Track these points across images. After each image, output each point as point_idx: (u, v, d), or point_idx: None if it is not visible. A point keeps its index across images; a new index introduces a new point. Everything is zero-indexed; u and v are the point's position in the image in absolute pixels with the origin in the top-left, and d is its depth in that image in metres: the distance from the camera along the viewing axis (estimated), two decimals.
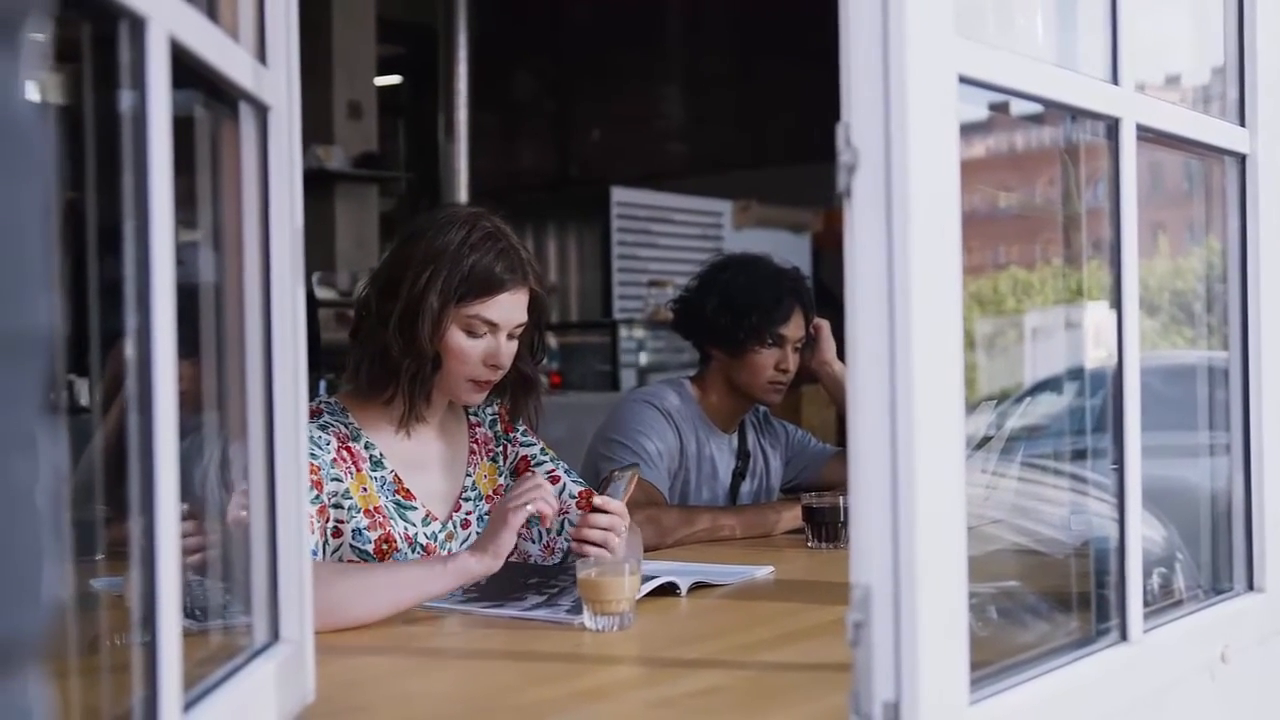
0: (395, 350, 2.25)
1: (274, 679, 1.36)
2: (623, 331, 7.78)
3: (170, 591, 1.05)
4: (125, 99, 1.05)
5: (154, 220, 1.04)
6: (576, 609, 1.99)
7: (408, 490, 2.32)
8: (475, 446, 2.46)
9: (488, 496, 2.44)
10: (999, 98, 1.47)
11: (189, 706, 1.13)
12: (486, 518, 2.39)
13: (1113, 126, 1.59)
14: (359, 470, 2.27)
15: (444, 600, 2.10)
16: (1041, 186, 2.08)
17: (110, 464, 1.27)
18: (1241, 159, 1.89)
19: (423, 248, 2.26)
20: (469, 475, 2.43)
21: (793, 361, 3.14)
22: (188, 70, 1.15)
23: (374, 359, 2.28)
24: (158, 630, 1.04)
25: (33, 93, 0.64)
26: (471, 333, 2.27)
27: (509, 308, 2.29)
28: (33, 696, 0.63)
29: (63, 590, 0.64)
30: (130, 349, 1.04)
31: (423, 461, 2.38)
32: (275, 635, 1.43)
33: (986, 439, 2.21)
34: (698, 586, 2.29)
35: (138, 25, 1.03)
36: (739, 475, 3.25)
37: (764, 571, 2.46)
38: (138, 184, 1.04)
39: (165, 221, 1.05)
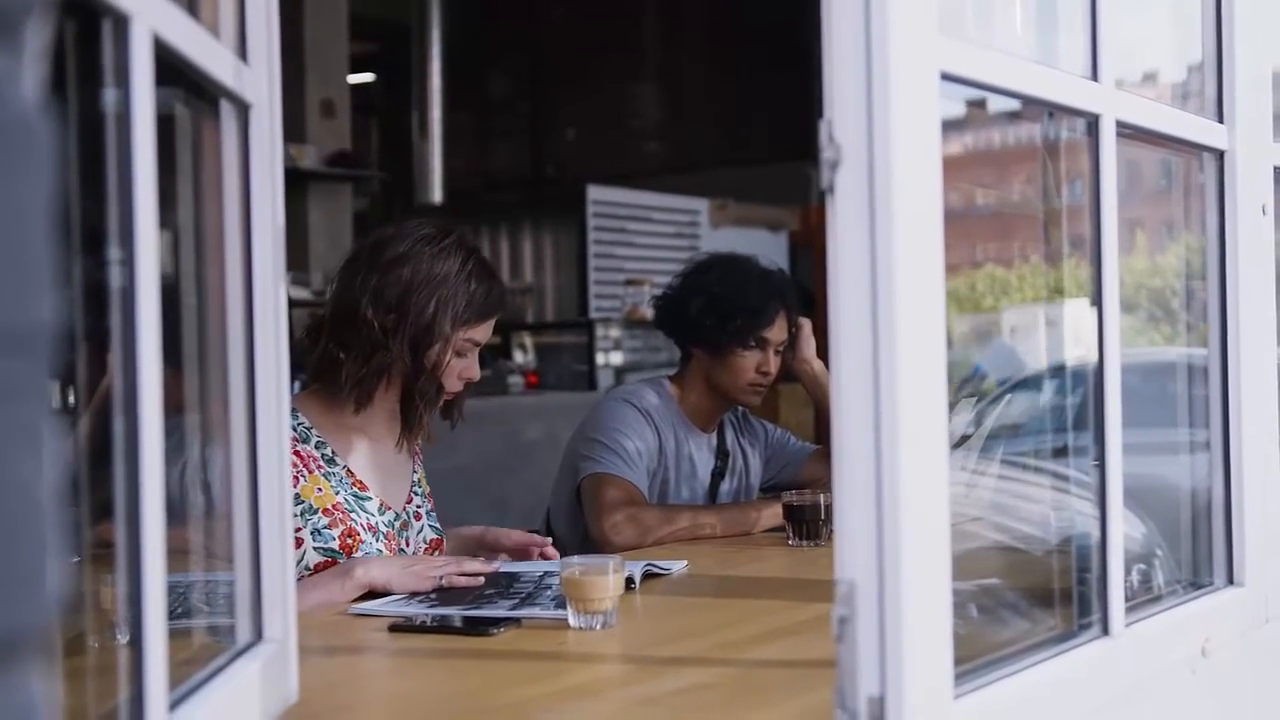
0: (401, 370, 2.38)
1: (258, 678, 1.36)
2: (599, 331, 7.76)
3: (155, 592, 1.05)
4: (108, 96, 1.04)
5: (138, 219, 1.04)
6: (561, 604, 1.99)
7: (361, 482, 2.42)
8: (416, 449, 2.59)
9: (428, 494, 2.59)
10: (976, 94, 1.47)
11: (174, 706, 1.13)
12: (433, 513, 2.57)
13: (1093, 123, 1.59)
14: (311, 472, 2.35)
15: (421, 606, 2.10)
16: (1019, 184, 2.09)
17: (87, 465, 1.27)
18: (1220, 155, 1.90)
19: (423, 273, 2.36)
20: (415, 473, 2.57)
21: (774, 364, 3.14)
22: (169, 67, 1.14)
23: (375, 374, 2.37)
24: (143, 630, 1.03)
25: (34, 91, 0.64)
26: (459, 353, 2.42)
27: (491, 329, 2.48)
28: (36, 690, 0.63)
29: (65, 585, 0.64)
30: (114, 350, 1.03)
31: (374, 459, 2.47)
32: (259, 635, 1.42)
33: (965, 437, 2.21)
34: (649, 576, 2.35)
35: (121, 23, 1.02)
36: (718, 474, 3.25)
37: (679, 566, 2.49)
38: (122, 182, 1.04)
39: (149, 220, 1.05)
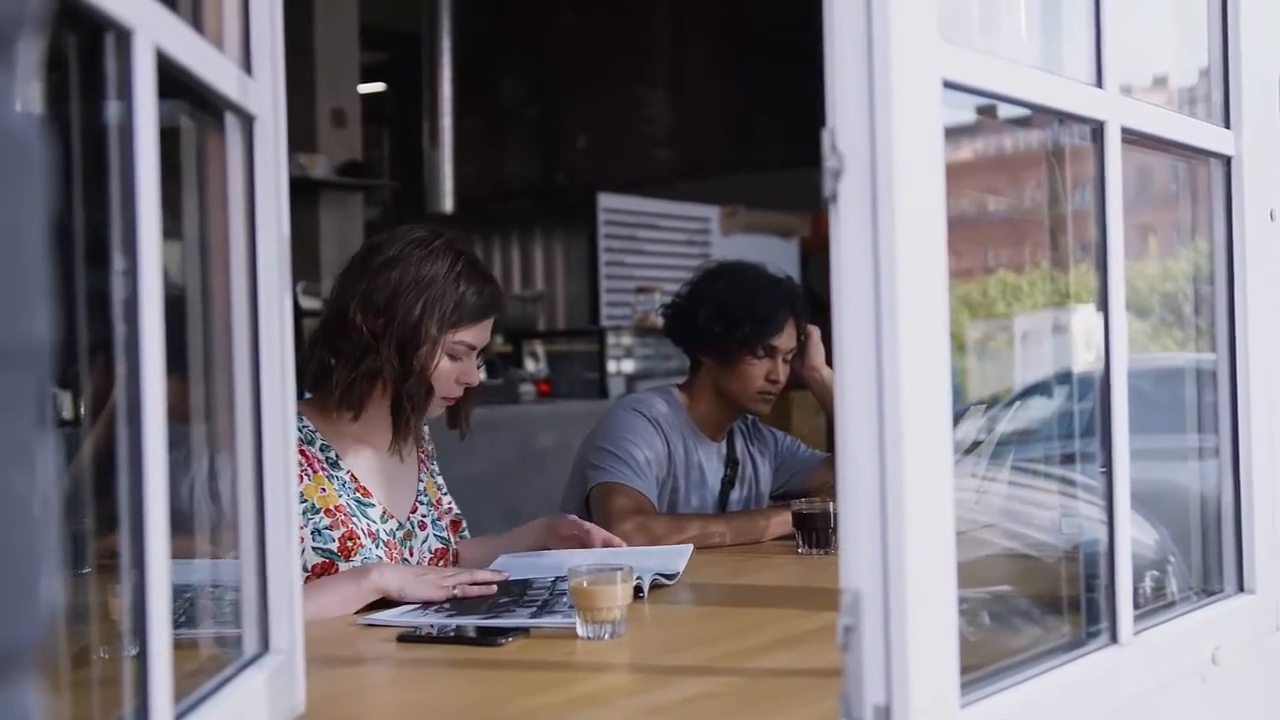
0: (390, 374, 2.37)
1: (264, 690, 1.36)
2: (610, 339, 7.76)
3: (160, 603, 1.05)
4: (111, 109, 1.05)
5: (141, 231, 1.04)
6: (573, 613, 1.98)
7: (365, 488, 2.42)
8: (422, 457, 2.60)
9: (435, 503, 2.58)
10: (986, 101, 1.47)
11: (180, 717, 1.13)
12: (439, 522, 2.56)
13: (1098, 129, 1.59)
14: (316, 472, 2.36)
15: (436, 616, 2.10)
16: (1030, 190, 2.08)
17: (97, 477, 1.28)
18: (1227, 161, 1.90)
19: (410, 275, 2.36)
20: (420, 482, 2.56)
21: (783, 372, 3.14)
22: (172, 80, 1.14)
23: (365, 378, 2.37)
24: (148, 642, 1.04)
25: (28, 104, 0.65)
26: (453, 356, 2.41)
27: (487, 332, 2.46)
28: (30, 705, 0.63)
29: (59, 600, 0.64)
30: (119, 361, 1.03)
31: (379, 467, 2.47)
32: (265, 646, 1.42)
33: (976, 443, 2.21)
34: (657, 586, 2.34)
35: (124, 36, 1.03)
36: (728, 483, 3.25)
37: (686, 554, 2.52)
38: (124, 194, 1.04)
39: (152, 232, 1.05)
